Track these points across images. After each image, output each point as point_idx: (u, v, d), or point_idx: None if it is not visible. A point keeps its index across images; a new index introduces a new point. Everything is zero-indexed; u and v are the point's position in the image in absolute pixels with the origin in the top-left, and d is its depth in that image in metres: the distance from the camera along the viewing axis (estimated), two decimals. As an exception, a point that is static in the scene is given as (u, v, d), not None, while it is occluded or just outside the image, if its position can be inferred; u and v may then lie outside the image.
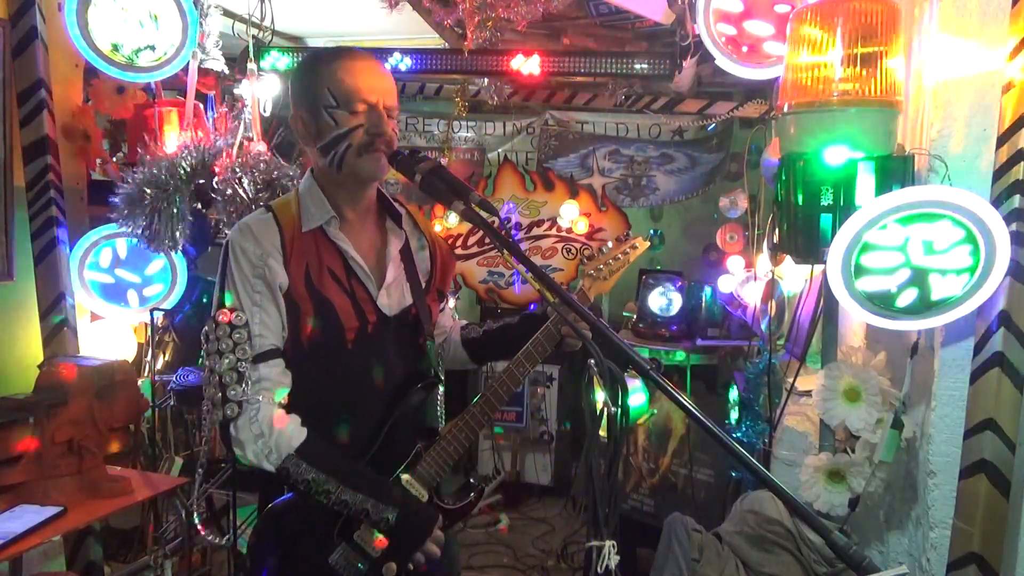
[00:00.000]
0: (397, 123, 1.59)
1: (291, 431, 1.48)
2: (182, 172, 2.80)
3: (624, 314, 4.42)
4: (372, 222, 1.65)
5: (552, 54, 3.84)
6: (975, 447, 1.74)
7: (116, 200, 2.83)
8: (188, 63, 3.01)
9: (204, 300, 3.33)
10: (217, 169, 2.80)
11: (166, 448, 3.27)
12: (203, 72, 3.18)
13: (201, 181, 2.81)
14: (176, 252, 2.99)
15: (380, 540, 1.54)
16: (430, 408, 1.74)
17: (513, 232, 4.57)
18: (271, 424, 1.46)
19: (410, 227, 1.71)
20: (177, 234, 2.84)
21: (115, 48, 2.87)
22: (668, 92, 4.44)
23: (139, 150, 2.88)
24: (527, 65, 3.77)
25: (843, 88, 1.90)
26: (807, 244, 1.98)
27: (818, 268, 2.07)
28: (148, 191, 2.77)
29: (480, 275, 4.71)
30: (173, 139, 3.00)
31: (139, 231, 2.83)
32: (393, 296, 1.62)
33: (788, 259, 2.73)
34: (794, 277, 2.98)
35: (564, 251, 4.64)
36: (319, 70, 1.54)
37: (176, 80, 3.11)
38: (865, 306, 1.82)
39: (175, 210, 2.81)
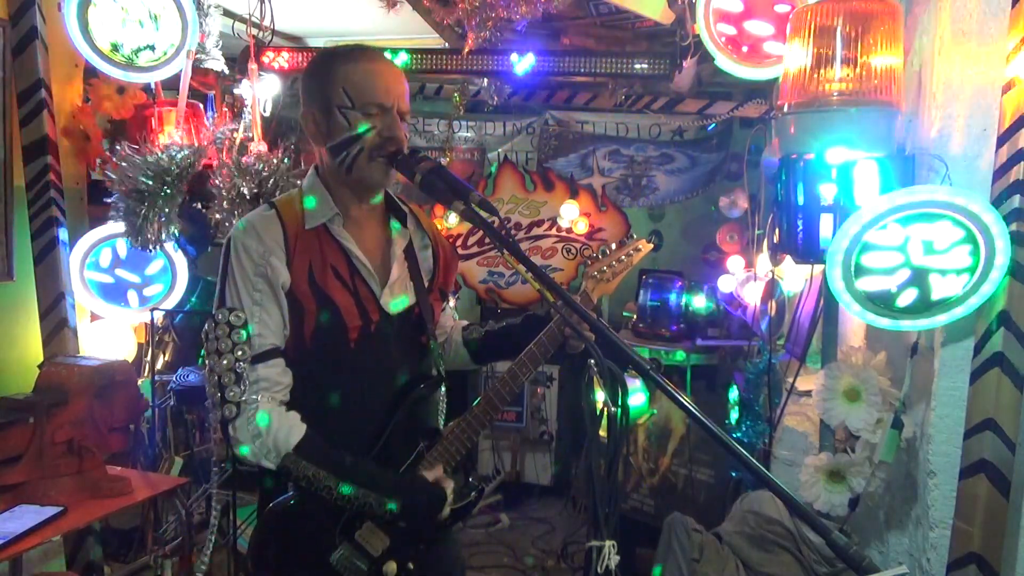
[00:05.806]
0: (407, 126, 1.58)
1: (288, 429, 1.47)
2: (174, 169, 2.78)
3: (624, 314, 4.42)
4: (376, 220, 1.65)
5: (552, 54, 3.84)
6: (975, 447, 1.74)
7: (113, 197, 2.83)
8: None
9: (204, 300, 3.33)
10: (215, 163, 2.78)
11: (166, 448, 3.27)
12: (203, 72, 3.18)
13: (199, 174, 2.78)
14: (173, 247, 2.97)
15: (382, 539, 1.54)
16: (432, 408, 1.73)
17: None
18: (268, 423, 1.46)
19: (413, 226, 1.70)
20: (163, 232, 2.81)
21: (115, 48, 2.87)
22: (668, 92, 4.44)
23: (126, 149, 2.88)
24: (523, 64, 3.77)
25: (843, 88, 1.90)
26: (807, 244, 1.98)
27: (818, 268, 2.07)
28: (131, 181, 2.75)
29: (480, 275, 4.71)
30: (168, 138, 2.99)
31: (126, 229, 2.81)
32: (396, 295, 1.62)
33: (788, 259, 2.73)
34: (794, 277, 2.98)
35: (564, 251, 4.64)
36: (335, 69, 1.52)
37: (176, 80, 3.11)
38: (865, 306, 1.82)
39: (164, 208, 2.78)
